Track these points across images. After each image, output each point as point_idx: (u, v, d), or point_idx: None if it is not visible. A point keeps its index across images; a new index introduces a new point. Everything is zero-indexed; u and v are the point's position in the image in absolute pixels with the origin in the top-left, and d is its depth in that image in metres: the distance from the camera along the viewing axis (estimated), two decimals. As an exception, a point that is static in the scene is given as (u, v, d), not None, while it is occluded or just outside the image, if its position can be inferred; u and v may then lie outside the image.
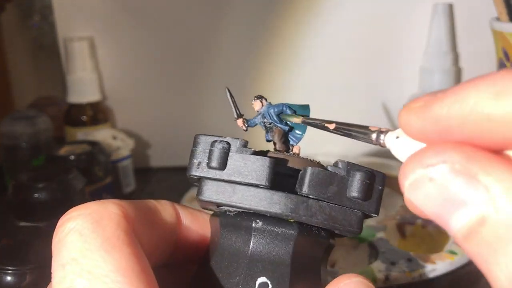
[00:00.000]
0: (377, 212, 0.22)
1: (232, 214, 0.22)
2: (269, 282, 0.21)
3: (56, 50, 0.73)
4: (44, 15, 0.80)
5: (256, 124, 0.27)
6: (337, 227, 0.21)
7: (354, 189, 0.21)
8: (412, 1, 0.68)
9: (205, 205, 0.24)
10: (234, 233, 0.22)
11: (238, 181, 0.21)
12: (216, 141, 0.23)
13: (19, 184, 0.48)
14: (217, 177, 0.22)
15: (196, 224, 0.25)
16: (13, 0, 0.79)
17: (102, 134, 0.65)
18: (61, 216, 0.20)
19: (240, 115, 0.28)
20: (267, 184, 0.21)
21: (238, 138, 0.22)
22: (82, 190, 0.50)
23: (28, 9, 0.80)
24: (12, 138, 0.63)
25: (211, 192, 0.22)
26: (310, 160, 0.23)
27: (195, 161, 0.23)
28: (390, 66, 0.70)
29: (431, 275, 0.44)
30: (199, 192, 0.22)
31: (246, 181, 0.21)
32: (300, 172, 0.22)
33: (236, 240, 0.22)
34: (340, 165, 0.22)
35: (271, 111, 0.26)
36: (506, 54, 0.54)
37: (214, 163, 0.22)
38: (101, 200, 0.21)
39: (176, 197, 0.61)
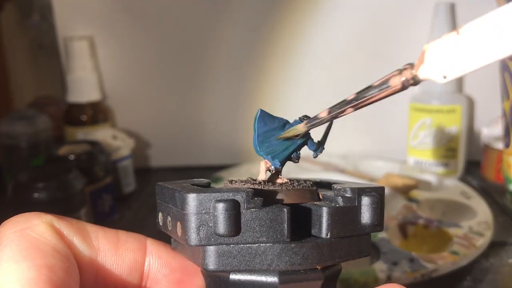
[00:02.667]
0: (382, 228, 0.21)
1: (247, 279, 0.19)
2: None
3: (56, 49, 0.73)
4: (43, 15, 0.80)
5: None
6: (355, 257, 0.21)
7: (367, 216, 0.20)
8: (413, 1, 0.68)
9: (210, 273, 0.20)
10: None
11: (253, 243, 0.19)
12: (217, 201, 0.18)
13: (18, 184, 0.48)
14: (227, 243, 0.18)
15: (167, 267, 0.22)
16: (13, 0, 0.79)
17: (102, 134, 0.65)
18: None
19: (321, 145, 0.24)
20: (288, 239, 0.19)
21: (243, 190, 0.19)
22: (82, 190, 0.50)
23: (27, 8, 0.80)
24: (12, 138, 0.63)
25: (219, 260, 0.19)
26: (311, 188, 0.21)
27: (193, 225, 0.18)
28: (391, 66, 0.69)
29: (433, 275, 0.44)
30: (203, 263, 0.19)
31: (264, 240, 0.18)
32: (315, 208, 0.20)
33: None
34: (349, 193, 0.20)
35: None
36: (508, 54, 0.54)
37: (222, 230, 0.18)
38: (37, 212, 0.20)
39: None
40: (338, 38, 0.70)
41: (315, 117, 0.22)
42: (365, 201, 0.20)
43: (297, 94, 0.72)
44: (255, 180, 0.21)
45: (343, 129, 0.71)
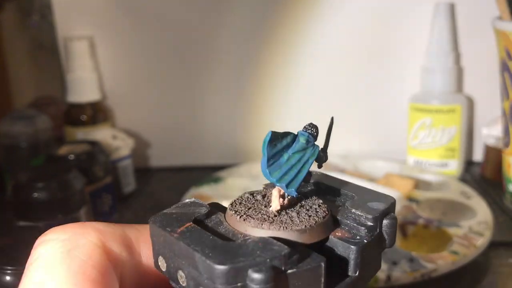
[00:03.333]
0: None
1: None
2: None
3: (56, 49, 0.73)
4: (43, 14, 0.80)
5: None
6: (371, 277, 0.20)
7: (388, 240, 0.20)
8: (414, 1, 0.68)
9: None
10: None
11: None
12: (253, 272, 0.16)
13: (18, 184, 0.48)
14: None
15: None
16: (13, -1, 0.79)
17: (102, 134, 0.65)
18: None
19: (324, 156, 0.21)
20: None
21: (281, 250, 0.17)
22: (82, 190, 0.50)
23: (27, 8, 0.80)
24: (12, 138, 0.63)
25: None
26: (326, 217, 0.19)
27: None
28: (391, 66, 0.70)
29: (433, 275, 0.44)
30: None
31: None
32: (341, 247, 0.19)
33: None
34: (371, 221, 0.19)
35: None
36: (508, 54, 0.54)
37: None
38: (81, 224, 0.19)
39: (176, 197, 0.60)
40: (338, 37, 0.70)
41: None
42: (386, 225, 0.20)
43: (297, 94, 0.72)
44: (257, 200, 0.20)
45: (343, 129, 0.71)
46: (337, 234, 0.19)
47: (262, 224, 0.18)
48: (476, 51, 0.68)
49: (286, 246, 0.17)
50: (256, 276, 0.15)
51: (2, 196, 0.64)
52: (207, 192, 0.60)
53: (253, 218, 0.18)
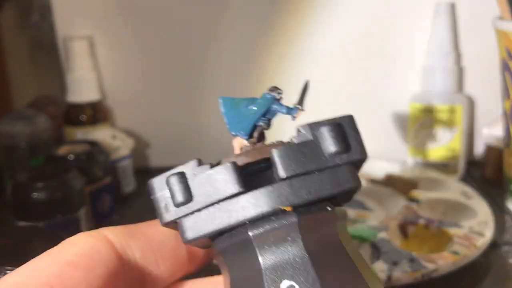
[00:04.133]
0: (364, 154, 0.20)
1: (226, 240, 0.20)
2: (294, 284, 0.18)
3: (55, 49, 0.73)
4: (43, 14, 0.79)
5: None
6: (334, 193, 0.19)
7: (329, 146, 0.19)
8: (414, 1, 0.68)
9: (196, 245, 0.21)
10: (238, 256, 0.20)
11: (212, 203, 0.19)
12: (168, 177, 0.20)
13: (18, 184, 0.48)
14: (191, 210, 0.20)
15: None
16: (12, -1, 0.78)
17: (101, 134, 0.65)
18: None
19: (299, 106, 0.24)
20: (241, 189, 0.19)
21: (189, 162, 0.21)
22: (81, 190, 0.50)
23: (27, 8, 0.80)
24: (11, 138, 0.63)
25: (193, 229, 0.20)
26: (273, 143, 0.21)
27: (161, 205, 0.20)
28: (392, 66, 0.70)
29: (433, 275, 0.44)
30: (182, 237, 0.20)
31: (220, 197, 0.19)
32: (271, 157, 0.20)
33: (243, 263, 0.19)
34: (302, 130, 0.20)
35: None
36: (509, 53, 0.54)
37: (179, 199, 0.20)
38: (97, 232, 0.21)
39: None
40: (339, 38, 0.69)
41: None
42: (324, 131, 0.20)
43: (297, 93, 0.71)
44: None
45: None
46: (273, 148, 0.20)
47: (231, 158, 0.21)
48: (476, 51, 0.68)
49: (199, 159, 0.21)
50: (170, 181, 0.20)
51: (2, 196, 0.63)
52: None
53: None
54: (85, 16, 0.70)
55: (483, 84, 0.69)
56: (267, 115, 0.23)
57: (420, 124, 0.67)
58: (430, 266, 0.44)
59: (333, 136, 0.20)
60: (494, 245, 0.50)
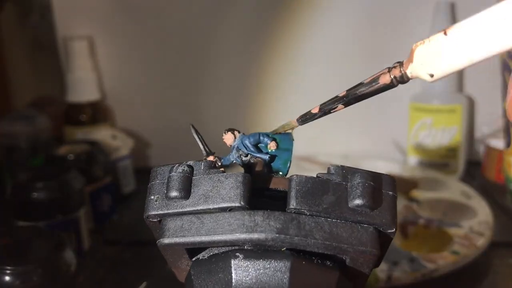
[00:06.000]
0: (393, 225, 0.17)
1: (206, 257, 0.17)
2: None
3: (55, 49, 0.73)
4: (43, 14, 0.79)
5: (231, 162, 0.22)
6: (344, 248, 0.16)
7: (357, 195, 0.17)
8: (414, 1, 0.68)
9: (172, 253, 0.18)
10: (211, 280, 0.16)
11: (207, 209, 0.17)
12: (174, 166, 0.18)
13: (18, 184, 0.48)
14: (180, 209, 0.17)
15: None
16: (12, -1, 0.78)
17: (101, 134, 0.65)
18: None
19: (210, 153, 0.22)
20: (243, 203, 0.16)
21: (203, 160, 0.18)
22: (81, 190, 0.50)
23: (27, 8, 0.80)
24: (11, 138, 0.63)
25: (174, 231, 0.17)
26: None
27: (152, 197, 0.18)
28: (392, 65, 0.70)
29: (434, 275, 0.44)
30: (159, 235, 0.17)
31: (217, 206, 0.16)
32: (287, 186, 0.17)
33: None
34: (332, 170, 0.17)
35: (246, 141, 0.22)
36: (509, 53, 0.54)
37: (174, 192, 0.17)
38: None
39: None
40: (338, 37, 0.69)
41: (308, 113, 0.21)
42: (357, 177, 0.17)
43: (297, 94, 0.71)
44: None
45: (343, 129, 0.71)
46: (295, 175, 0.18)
47: None
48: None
49: (213, 162, 0.19)
50: (175, 169, 0.18)
51: (2, 196, 0.63)
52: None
53: None
54: (85, 16, 0.70)
55: (483, 84, 0.69)
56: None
57: (420, 124, 0.67)
58: (430, 266, 0.44)
59: (366, 186, 0.17)
60: (494, 245, 0.50)
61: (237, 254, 0.16)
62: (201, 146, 0.23)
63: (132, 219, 0.60)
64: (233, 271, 0.16)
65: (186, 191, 0.17)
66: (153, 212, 0.17)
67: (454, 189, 0.60)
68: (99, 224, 0.57)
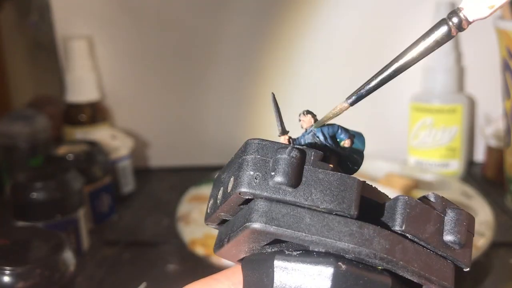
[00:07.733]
0: (470, 264, 0.17)
1: (294, 254, 0.16)
2: None
3: (55, 49, 0.73)
4: (42, 14, 0.79)
5: (303, 145, 0.20)
6: (432, 280, 0.16)
7: (452, 232, 0.17)
8: (414, 1, 0.67)
9: (253, 239, 0.17)
10: (300, 280, 0.16)
11: (313, 206, 0.16)
12: (283, 147, 0.16)
13: (17, 184, 0.47)
14: (283, 197, 0.16)
15: None
16: (11, -1, 0.78)
17: (100, 134, 0.65)
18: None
19: (285, 131, 0.20)
20: (355, 212, 0.16)
21: (313, 149, 0.16)
22: (81, 190, 0.50)
23: (26, 8, 0.80)
24: (10, 138, 0.63)
25: (271, 218, 0.15)
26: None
27: (252, 173, 0.16)
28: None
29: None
30: (249, 218, 0.16)
31: (325, 206, 0.15)
32: (389, 202, 0.17)
33: None
34: (433, 198, 0.17)
35: (325, 131, 0.20)
36: (509, 53, 0.54)
37: (281, 177, 0.15)
38: None
39: (175, 197, 0.60)
40: (339, 38, 0.69)
41: (360, 88, 0.19)
42: (455, 214, 0.17)
43: (297, 94, 0.71)
44: None
45: (343, 129, 0.71)
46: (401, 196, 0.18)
47: None
48: (477, 50, 0.68)
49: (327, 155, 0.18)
50: (287, 152, 0.16)
51: (1, 196, 0.63)
52: (207, 192, 0.60)
53: None
54: (85, 16, 0.70)
55: (484, 83, 0.69)
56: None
57: (421, 124, 0.67)
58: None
59: (462, 225, 0.17)
60: (494, 245, 0.50)
61: (340, 263, 0.16)
62: (277, 122, 0.20)
63: (131, 219, 0.60)
64: (332, 279, 0.16)
65: (296, 180, 0.16)
66: (250, 190, 0.16)
67: (455, 189, 0.60)
68: (98, 224, 0.57)
